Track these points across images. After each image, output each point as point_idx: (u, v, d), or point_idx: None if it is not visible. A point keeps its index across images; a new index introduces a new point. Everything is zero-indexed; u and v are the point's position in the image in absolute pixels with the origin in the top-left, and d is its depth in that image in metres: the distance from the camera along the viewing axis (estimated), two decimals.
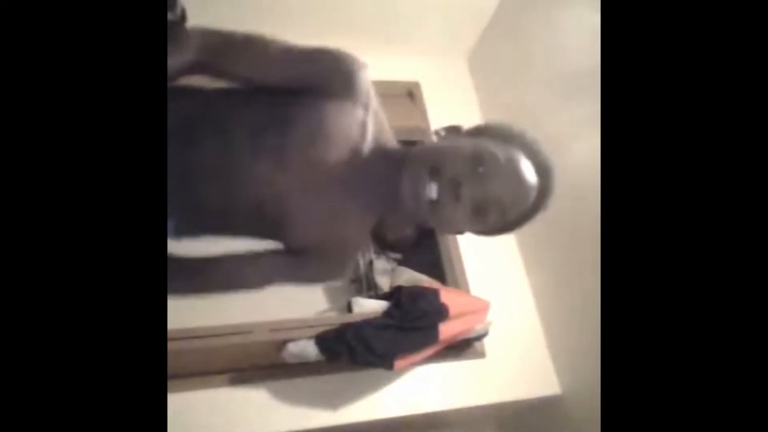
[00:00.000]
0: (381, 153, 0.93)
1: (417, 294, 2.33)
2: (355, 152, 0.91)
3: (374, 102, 0.94)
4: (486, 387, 2.47)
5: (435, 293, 2.33)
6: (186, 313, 2.03)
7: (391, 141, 0.95)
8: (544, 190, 0.87)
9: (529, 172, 0.85)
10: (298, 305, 2.72)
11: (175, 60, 0.88)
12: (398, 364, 2.20)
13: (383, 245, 3.05)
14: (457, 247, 2.71)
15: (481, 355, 2.52)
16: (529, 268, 2.78)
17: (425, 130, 2.92)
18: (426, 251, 2.87)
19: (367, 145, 0.92)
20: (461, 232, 0.92)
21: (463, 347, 2.48)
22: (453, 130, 0.94)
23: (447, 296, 2.34)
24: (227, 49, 0.91)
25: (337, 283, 3.04)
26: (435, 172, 0.84)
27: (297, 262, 0.97)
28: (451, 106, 3.06)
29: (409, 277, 2.67)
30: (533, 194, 0.86)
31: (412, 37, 3.02)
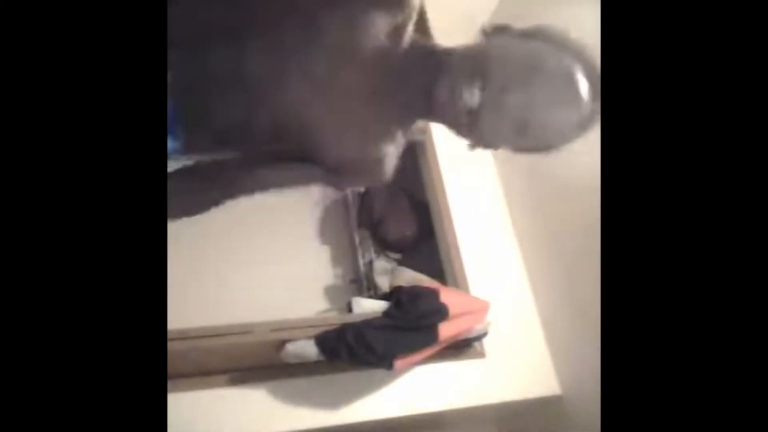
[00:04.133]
0: (419, 52, 0.83)
1: (417, 294, 2.33)
2: (390, 56, 0.81)
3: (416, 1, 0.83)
4: (486, 387, 2.47)
5: (435, 293, 2.33)
6: (186, 313, 2.03)
7: (431, 41, 0.86)
8: (593, 111, 0.78)
9: (582, 88, 0.76)
10: (298, 305, 2.72)
11: None
12: (398, 364, 2.20)
13: (383, 245, 3.05)
14: (457, 247, 2.71)
15: (481, 355, 2.51)
16: (529, 268, 2.78)
17: (424, 129, 2.92)
18: (426, 251, 2.87)
19: (404, 46, 0.82)
20: (496, 148, 0.83)
21: (463, 347, 2.47)
22: (502, 29, 0.83)
23: (447, 296, 2.33)
24: None
25: (337, 283, 3.04)
26: (479, 77, 0.75)
27: (329, 172, 0.88)
28: None
29: (409, 277, 2.67)
30: (581, 114, 0.77)
31: None
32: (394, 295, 2.40)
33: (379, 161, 0.88)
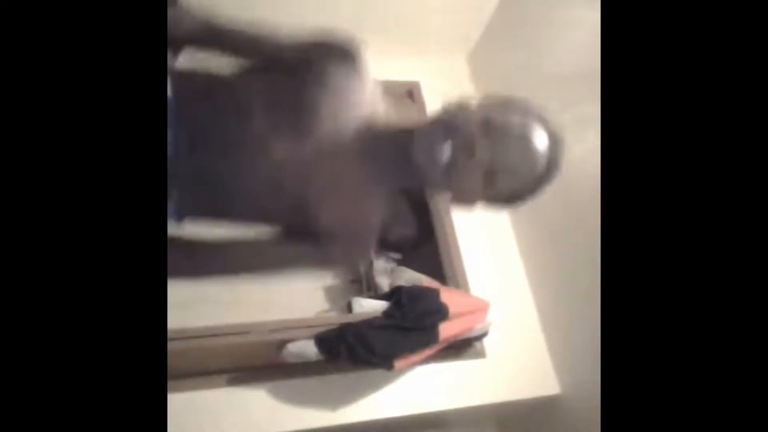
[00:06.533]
0: (393, 125, 0.94)
1: (417, 294, 2.33)
2: (367, 122, 0.93)
3: (374, 83, 0.96)
4: (486, 387, 2.47)
5: (435, 293, 2.33)
6: (186, 313, 2.03)
7: (398, 119, 0.97)
8: (553, 159, 0.88)
9: (540, 139, 0.87)
10: (298, 305, 2.72)
11: (179, 30, 0.92)
12: (398, 364, 2.20)
13: (383, 245, 3.05)
14: (457, 247, 2.71)
15: (481, 355, 2.51)
16: (529, 268, 2.78)
17: None
18: (426, 251, 2.87)
19: (378, 116, 0.94)
20: (472, 202, 0.92)
21: (463, 347, 2.47)
22: (463, 104, 0.94)
23: (447, 296, 2.33)
24: (233, 28, 0.95)
25: (337, 283, 3.04)
26: (449, 134, 0.85)
27: (318, 246, 0.95)
28: None
29: (409, 277, 2.67)
30: (543, 162, 0.87)
31: (412, 37, 3.02)
32: (394, 295, 2.39)
33: (365, 228, 0.96)
